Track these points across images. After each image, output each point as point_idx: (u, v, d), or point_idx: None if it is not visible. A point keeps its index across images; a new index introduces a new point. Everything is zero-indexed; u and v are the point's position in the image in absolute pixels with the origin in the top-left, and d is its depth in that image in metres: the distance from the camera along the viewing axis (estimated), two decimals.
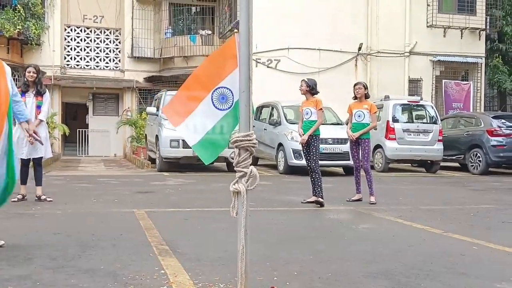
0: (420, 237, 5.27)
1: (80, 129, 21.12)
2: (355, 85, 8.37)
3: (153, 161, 14.37)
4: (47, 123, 17.32)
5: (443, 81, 19.03)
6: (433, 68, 19.08)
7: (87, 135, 21.30)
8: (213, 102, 2.62)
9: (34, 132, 7.23)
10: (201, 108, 2.65)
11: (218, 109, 2.62)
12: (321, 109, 7.93)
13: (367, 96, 8.31)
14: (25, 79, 7.52)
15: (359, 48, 18.27)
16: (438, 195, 9.35)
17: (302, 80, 8.20)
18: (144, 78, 21.25)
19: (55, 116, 19.59)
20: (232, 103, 2.58)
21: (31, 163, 7.60)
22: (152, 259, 3.78)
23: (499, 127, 14.14)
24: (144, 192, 8.75)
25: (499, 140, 13.86)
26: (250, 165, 2.33)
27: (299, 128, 8.12)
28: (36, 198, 7.48)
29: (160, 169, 13.09)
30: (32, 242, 4.55)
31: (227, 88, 2.59)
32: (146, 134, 16.66)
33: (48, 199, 7.48)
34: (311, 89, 7.98)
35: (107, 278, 3.32)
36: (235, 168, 2.38)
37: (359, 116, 8.10)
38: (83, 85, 20.45)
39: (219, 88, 2.60)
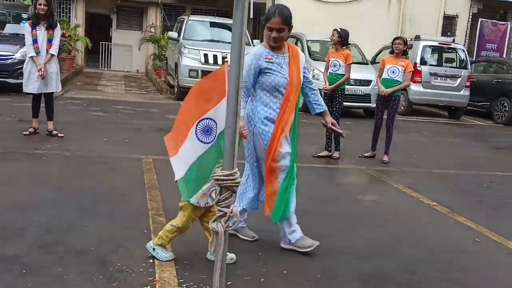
0: (424, 219, 5.17)
1: (104, 42, 20.88)
2: (394, 39, 7.89)
3: (172, 86, 14.24)
4: (70, 35, 17.24)
5: (480, 19, 18.09)
6: (471, 5, 18.08)
7: (110, 48, 21.10)
8: (197, 135, 2.47)
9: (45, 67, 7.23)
10: (187, 141, 2.51)
11: (202, 142, 2.47)
12: (350, 63, 7.69)
13: (405, 53, 7.91)
14: (36, 11, 7.30)
15: None
16: (456, 153, 9.14)
17: (334, 30, 7.86)
18: None
19: (78, 28, 19.36)
20: (215, 136, 2.43)
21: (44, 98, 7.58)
22: (145, 239, 3.77)
23: None
24: (157, 130, 8.69)
25: None
26: (232, 204, 2.21)
27: (325, 78, 7.93)
28: (47, 133, 7.51)
29: (177, 98, 12.98)
30: (33, 202, 4.57)
31: (212, 120, 2.43)
32: (167, 57, 16.41)
33: (60, 135, 7.50)
34: (342, 40, 7.67)
35: (94, 267, 3.33)
36: (215, 206, 2.27)
37: (393, 72, 7.72)
38: None
39: (204, 119, 2.44)
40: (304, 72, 3.93)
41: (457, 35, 17.75)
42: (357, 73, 12.70)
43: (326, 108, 4.12)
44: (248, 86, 3.74)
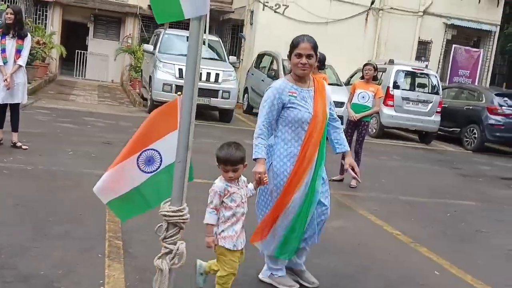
0: (386, 249, 5.16)
1: (79, 51, 20.66)
2: (365, 65, 8.01)
3: (145, 99, 14.13)
4: (44, 43, 16.99)
5: (454, 45, 18.44)
6: (445, 31, 18.43)
7: (86, 57, 20.88)
8: (138, 163, 2.42)
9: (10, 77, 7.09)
10: (124, 166, 2.46)
11: (142, 171, 2.43)
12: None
13: (376, 78, 8.00)
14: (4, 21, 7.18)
15: (372, 2, 17.53)
16: (423, 179, 9.22)
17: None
18: (148, 5, 20.52)
19: (54, 36, 19.13)
20: (158, 167, 2.39)
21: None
22: (98, 264, 3.68)
23: (500, 105, 13.83)
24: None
25: (498, 119, 13.58)
26: (179, 240, 2.15)
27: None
28: (12, 144, 7.34)
29: (150, 111, 12.85)
30: None
31: (156, 151, 2.39)
32: (142, 69, 16.30)
33: (24, 147, 7.34)
34: (320, 63, 7.68)
35: None
36: (161, 243, 2.21)
37: (363, 97, 7.81)
38: (85, 5, 19.82)
39: (148, 149, 2.40)
40: (329, 108, 3.74)
41: (431, 60, 18.04)
42: (332, 95, 12.80)
43: (349, 149, 3.93)
44: (271, 122, 3.57)
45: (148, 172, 2.42)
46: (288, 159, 3.58)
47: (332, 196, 7.09)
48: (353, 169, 3.89)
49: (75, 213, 4.89)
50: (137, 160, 2.42)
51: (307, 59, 3.55)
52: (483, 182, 9.74)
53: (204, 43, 2.11)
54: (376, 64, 7.98)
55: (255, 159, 3.47)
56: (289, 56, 3.65)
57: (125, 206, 2.53)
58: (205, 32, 2.12)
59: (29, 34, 7.53)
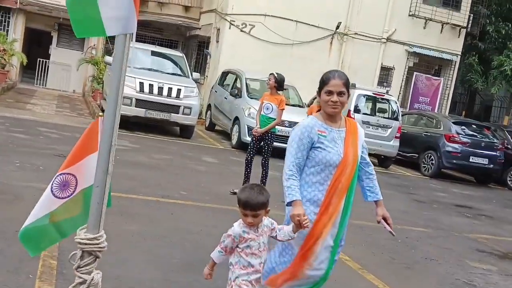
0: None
1: (42, 59, 20.22)
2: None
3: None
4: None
5: (415, 73, 18.81)
6: (408, 58, 18.79)
7: (48, 66, 20.45)
8: (52, 188, 2.29)
9: None
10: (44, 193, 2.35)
11: (56, 196, 2.30)
12: (283, 109, 7.80)
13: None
14: None
15: (337, 27, 17.76)
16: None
17: (270, 74, 8.08)
18: None
19: (15, 43, 18.70)
20: (73, 192, 2.27)
21: None
22: (27, 286, 3.50)
23: (458, 133, 14.11)
24: None
25: (455, 146, 13.84)
26: (94, 270, 2.02)
27: (257, 119, 8.00)
28: None
29: None
30: None
31: (72, 175, 2.26)
32: (103, 81, 16.05)
33: None
34: (278, 84, 7.82)
35: None
36: (74, 272, 2.08)
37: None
38: (49, 14, 19.46)
39: (63, 174, 2.27)
40: (362, 152, 3.46)
41: (393, 86, 18.32)
42: (291, 115, 12.78)
43: (381, 198, 3.61)
44: (300, 163, 3.29)
45: (62, 198, 2.28)
46: (311, 203, 3.30)
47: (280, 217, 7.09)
48: (386, 221, 3.55)
49: (11, 229, 4.67)
50: (52, 185, 2.29)
51: (338, 97, 3.29)
52: (437, 209, 9.84)
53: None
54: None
55: (289, 203, 3.18)
56: (318, 93, 3.42)
57: (35, 236, 2.36)
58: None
59: None
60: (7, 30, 19.29)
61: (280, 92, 7.98)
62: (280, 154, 12.90)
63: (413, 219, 8.49)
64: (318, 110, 8.08)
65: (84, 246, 2.01)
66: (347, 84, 3.34)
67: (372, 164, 3.58)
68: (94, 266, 2.04)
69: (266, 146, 7.89)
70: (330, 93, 3.31)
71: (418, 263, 6.11)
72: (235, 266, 2.99)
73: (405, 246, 6.74)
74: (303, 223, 3.05)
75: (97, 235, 2.01)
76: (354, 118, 13.65)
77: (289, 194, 3.20)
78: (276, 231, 3.11)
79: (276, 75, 7.88)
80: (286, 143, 11.42)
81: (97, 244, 2.01)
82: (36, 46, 22.23)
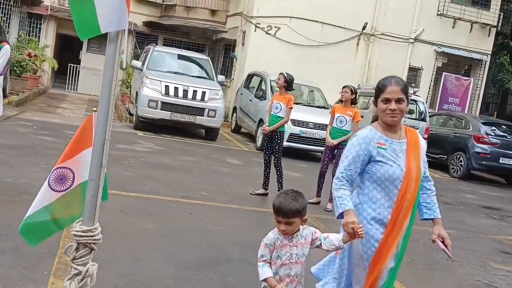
0: None
1: (72, 64, 20.67)
2: (343, 87, 7.91)
3: (132, 114, 14.09)
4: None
5: (444, 73, 18.52)
6: (436, 58, 18.53)
7: (79, 71, 20.90)
8: (49, 181, 2.35)
9: None
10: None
11: (53, 189, 2.35)
12: (291, 107, 7.80)
13: (353, 102, 7.90)
14: None
15: (364, 28, 17.65)
16: None
17: (280, 74, 8.10)
18: (143, 22, 20.71)
19: (47, 48, 19.18)
20: (70, 185, 2.32)
21: None
22: (41, 282, 3.58)
23: (487, 134, 13.82)
24: None
25: (484, 147, 13.55)
26: (89, 262, 2.07)
27: (266, 118, 8.10)
28: None
29: (135, 127, 12.82)
30: None
31: (68, 169, 2.31)
32: (131, 85, 16.30)
33: None
34: (288, 84, 7.85)
35: None
36: (71, 263, 2.13)
37: (340, 121, 7.75)
38: None
39: (60, 168, 2.33)
40: (423, 166, 3.16)
41: (421, 87, 18.10)
42: (317, 116, 12.78)
43: (439, 216, 3.30)
44: (352, 175, 3.06)
45: (59, 191, 2.34)
46: (376, 221, 3.05)
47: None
48: (443, 241, 3.27)
49: None
50: (49, 178, 2.35)
51: (397, 104, 3.01)
52: (464, 210, 9.66)
53: (121, 66, 2.05)
54: (354, 88, 7.94)
55: (341, 214, 2.95)
56: (375, 102, 3.13)
57: (34, 228, 2.42)
58: (123, 49, 2.06)
59: (7, 44, 7.49)
60: (39, 36, 19.78)
61: (288, 92, 8.00)
62: (308, 156, 12.90)
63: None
64: (345, 103, 7.97)
65: (79, 238, 2.06)
66: (405, 90, 3.06)
67: (431, 179, 3.28)
68: (89, 258, 2.09)
69: (277, 146, 7.88)
70: (387, 101, 3.02)
71: (438, 264, 6.01)
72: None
73: (427, 247, 6.63)
74: (358, 231, 2.82)
75: (92, 228, 2.06)
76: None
77: (341, 204, 2.96)
78: (320, 240, 2.89)
79: (285, 75, 7.90)
80: (311, 145, 11.44)
81: (92, 236, 2.05)
82: (68, 51, 22.74)
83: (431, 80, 18.66)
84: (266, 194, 7.90)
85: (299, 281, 2.83)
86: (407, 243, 3.14)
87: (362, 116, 7.97)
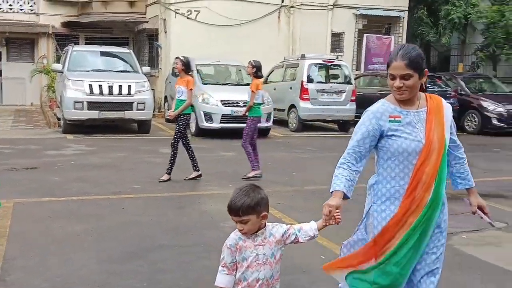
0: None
1: None
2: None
3: (59, 119, 13.80)
4: None
5: (365, 35, 19.01)
6: (356, 21, 18.99)
7: (1, 82, 20.20)
8: None
9: None
10: None
11: None
12: (191, 89, 7.85)
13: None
14: None
15: (282, 0, 17.81)
16: (332, 167, 9.42)
17: (176, 58, 8.20)
18: (61, 23, 20.18)
19: None
20: None
21: None
22: None
23: None
24: (29, 169, 8.39)
25: None
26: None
27: (172, 105, 8.19)
28: None
29: (64, 131, 12.61)
30: None
31: None
32: (55, 89, 15.94)
33: None
34: (186, 67, 7.90)
35: None
36: None
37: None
38: None
39: None
40: (451, 133, 2.89)
41: (346, 51, 18.53)
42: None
43: (474, 185, 3.01)
44: (362, 152, 2.84)
45: None
46: (391, 201, 2.81)
47: None
48: (482, 211, 2.99)
49: None
50: None
51: (403, 81, 2.74)
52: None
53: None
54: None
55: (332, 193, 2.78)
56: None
57: None
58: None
59: None
60: None
61: (188, 74, 7.89)
62: (239, 134, 13.05)
63: (365, 175, 8.67)
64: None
65: None
66: (413, 64, 2.72)
67: (462, 147, 3.01)
68: None
69: (177, 127, 7.86)
70: (393, 77, 2.78)
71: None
72: (236, 286, 2.57)
73: (356, 202, 6.93)
74: (335, 215, 2.66)
75: None
76: (308, 89, 13.97)
77: (333, 183, 2.80)
78: (295, 235, 2.68)
79: (182, 58, 7.95)
80: (243, 123, 11.54)
81: None
82: None
83: (354, 43, 19.13)
84: (199, 176, 7.98)
85: (270, 285, 2.57)
86: (433, 222, 2.78)
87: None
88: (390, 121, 2.80)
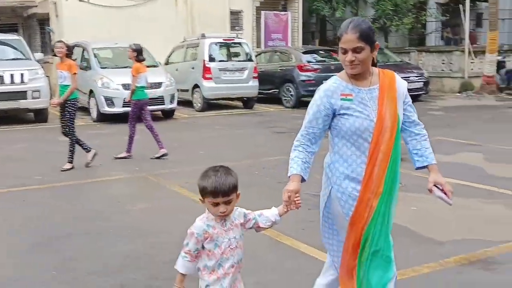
0: (191, 218, 5.33)
1: None
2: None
3: None
4: None
5: (262, 12, 19.26)
6: None
7: None
8: None
9: None
10: None
11: None
12: (75, 73, 7.49)
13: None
14: None
15: None
16: (240, 145, 9.62)
17: (57, 42, 7.84)
18: None
19: None
20: None
21: None
22: None
23: (309, 62, 14.84)
24: None
25: (308, 75, 14.56)
26: None
27: (57, 92, 7.91)
28: None
29: None
30: None
31: None
32: None
33: None
34: (68, 51, 7.58)
35: None
36: None
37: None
38: None
39: None
40: (404, 109, 2.83)
41: (245, 29, 18.69)
42: (151, 76, 12.70)
43: (433, 162, 2.88)
44: (315, 133, 2.74)
45: None
46: (350, 180, 2.74)
47: (144, 178, 7.18)
48: (442, 190, 2.84)
49: None
50: None
51: (354, 54, 2.65)
52: (294, 136, 10.40)
53: None
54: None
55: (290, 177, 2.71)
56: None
57: None
58: None
59: None
60: None
61: (69, 58, 7.60)
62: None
63: (272, 150, 8.93)
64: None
65: None
66: (365, 37, 2.65)
67: (421, 123, 2.92)
68: None
69: (68, 115, 7.52)
70: (344, 51, 2.69)
71: (271, 188, 6.47)
72: (203, 272, 2.49)
73: (262, 175, 7.15)
74: (295, 199, 2.61)
75: None
76: (210, 68, 14.00)
77: (290, 167, 2.72)
78: (255, 219, 2.61)
79: (65, 42, 7.74)
80: (152, 105, 11.30)
81: None
82: None
83: (253, 21, 19.33)
84: (72, 168, 7.63)
85: (239, 267, 2.54)
86: (393, 202, 2.78)
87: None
88: (342, 99, 2.72)
